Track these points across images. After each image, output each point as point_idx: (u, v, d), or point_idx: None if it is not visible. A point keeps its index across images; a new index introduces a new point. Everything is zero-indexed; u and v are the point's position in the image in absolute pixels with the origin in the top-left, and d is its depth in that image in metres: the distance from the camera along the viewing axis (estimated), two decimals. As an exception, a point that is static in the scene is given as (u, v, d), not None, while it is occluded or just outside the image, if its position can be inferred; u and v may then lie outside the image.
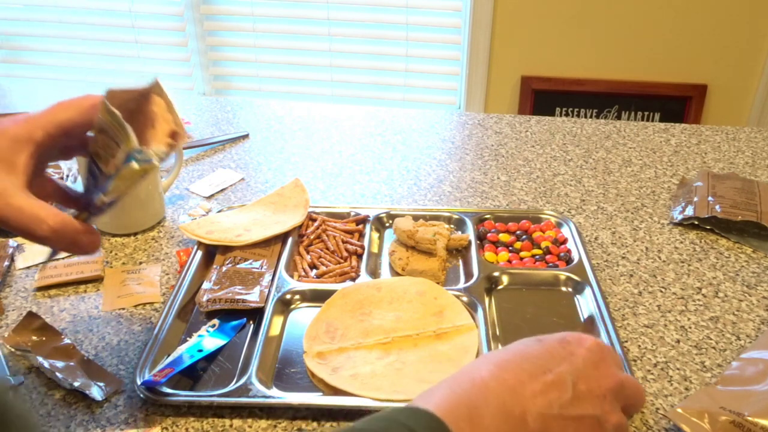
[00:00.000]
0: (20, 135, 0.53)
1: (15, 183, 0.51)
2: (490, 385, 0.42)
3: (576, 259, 0.77)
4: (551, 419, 0.41)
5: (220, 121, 1.17)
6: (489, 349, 0.64)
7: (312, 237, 0.81)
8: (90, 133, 0.57)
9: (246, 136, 1.12)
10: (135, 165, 0.54)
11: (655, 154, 1.07)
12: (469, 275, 0.75)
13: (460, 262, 0.79)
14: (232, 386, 0.60)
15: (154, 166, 0.54)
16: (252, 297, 0.71)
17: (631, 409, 0.48)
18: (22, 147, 0.53)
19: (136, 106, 0.57)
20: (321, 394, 0.60)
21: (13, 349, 0.65)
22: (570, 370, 0.44)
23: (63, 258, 0.79)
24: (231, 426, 0.58)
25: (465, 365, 0.45)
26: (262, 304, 0.70)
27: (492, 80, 2.35)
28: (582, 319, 0.70)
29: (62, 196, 0.61)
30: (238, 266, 0.75)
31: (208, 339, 0.65)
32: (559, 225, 0.84)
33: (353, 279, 0.75)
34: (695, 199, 0.89)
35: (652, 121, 2.14)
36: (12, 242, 0.81)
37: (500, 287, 0.74)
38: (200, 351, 0.63)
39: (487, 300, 0.71)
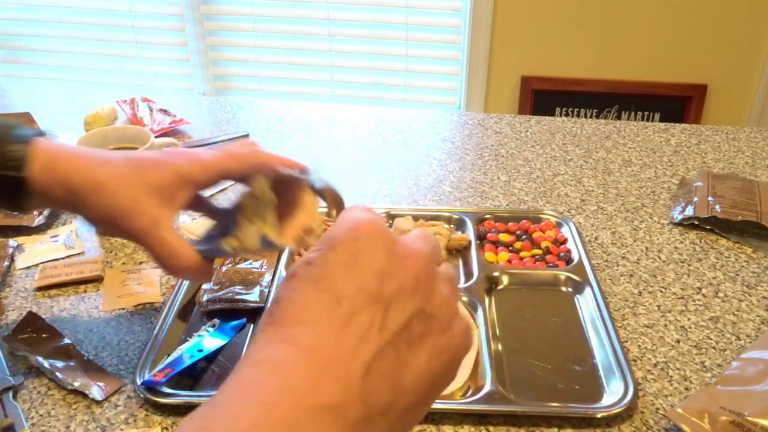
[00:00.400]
0: (189, 175, 0.56)
1: (168, 216, 0.56)
2: (276, 387, 0.28)
3: (576, 259, 0.77)
4: (377, 361, 0.30)
5: (220, 121, 1.18)
6: (489, 348, 0.64)
7: (312, 237, 0.81)
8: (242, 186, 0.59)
9: (246, 136, 1.12)
10: (259, 245, 0.55)
11: (655, 154, 1.07)
12: (469, 275, 0.75)
13: (460, 262, 0.79)
14: (232, 386, 0.60)
15: (276, 250, 0.55)
16: (252, 297, 0.71)
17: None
18: (186, 186, 0.56)
19: (289, 188, 0.58)
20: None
21: (13, 349, 0.65)
22: (365, 277, 0.31)
23: (62, 258, 0.79)
24: (231, 426, 0.58)
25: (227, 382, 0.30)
26: (262, 304, 0.70)
27: (492, 80, 2.35)
28: (582, 319, 0.70)
29: (207, 209, 0.64)
30: (238, 266, 0.76)
31: (208, 339, 0.65)
32: (559, 225, 0.84)
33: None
34: (695, 199, 0.89)
35: (652, 121, 2.14)
36: (12, 242, 0.81)
37: (500, 287, 0.74)
38: (200, 351, 0.63)
39: (487, 300, 0.71)
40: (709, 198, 0.88)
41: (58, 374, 0.61)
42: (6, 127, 0.56)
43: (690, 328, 0.70)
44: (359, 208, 0.34)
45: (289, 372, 0.29)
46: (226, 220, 0.61)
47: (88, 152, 0.56)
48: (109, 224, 0.56)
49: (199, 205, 0.63)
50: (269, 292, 0.72)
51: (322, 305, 0.31)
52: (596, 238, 0.85)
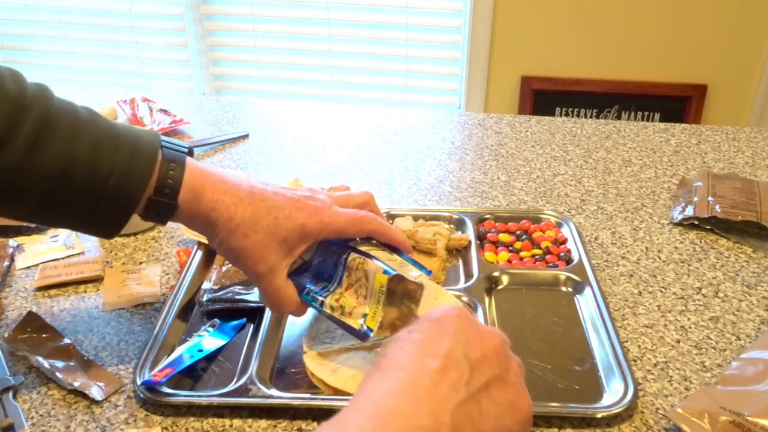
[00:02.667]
0: (312, 232, 0.60)
1: (285, 265, 0.60)
2: (389, 407, 0.38)
3: (576, 259, 0.77)
4: (463, 406, 0.39)
5: (220, 121, 1.18)
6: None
7: (312, 237, 0.81)
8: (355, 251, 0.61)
9: (246, 136, 1.12)
10: (357, 326, 0.58)
11: (655, 154, 1.07)
12: (469, 275, 0.75)
13: (460, 262, 0.79)
14: (232, 386, 0.60)
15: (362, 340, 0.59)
16: (252, 297, 0.71)
17: None
18: (306, 240, 0.60)
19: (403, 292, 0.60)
20: (321, 394, 0.60)
21: (13, 349, 0.65)
22: (455, 344, 0.41)
23: (62, 258, 0.79)
24: (231, 426, 0.58)
25: (352, 400, 0.40)
26: (262, 304, 0.70)
27: (492, 80, 2.35)
28: (582, 319, 0.70)
29: None
30: (238, 266, 0.75)
31: (208, 339, 0.65)
32: (559, 225, 0.84)
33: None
34: (695, 199, 0.89)
35: (652, 121, 2.14)
36: (12, 242, 0.81)
37: (500, 287, 0.74)
38: (200, 351, 0.63)
39: (487, 300, 0.71)
40: (709, 198, 0.88)
41: (58, 374, 0.61)
42: (153, 142, 0.58)
43: (690, 328, 0.70)
44: (451, 304, 0.45)
45: (397, 399, 0.38)
46: (320, 263, 0.62)
47: (230, 187, 0.59)
48: (232, 259, 0.60)
49: None
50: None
51: (422, 360, 0.40)
52: (596, 238, 0.85)
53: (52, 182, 0.54)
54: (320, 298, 0.60)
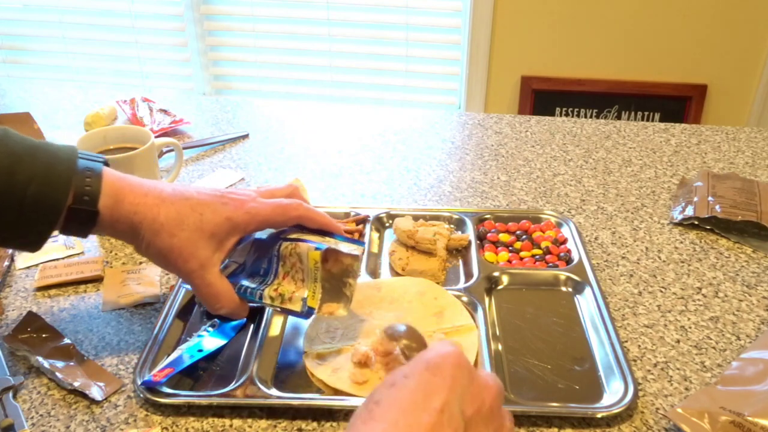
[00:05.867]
0: (240, 224, 0.60)
1: (216, 260, 0.60)
2: None
3: (576, 259, 0.77)
4: None
5: (220, 121, 1.18)
6: (489, 349, 0.64)
7: (312, 237, 0.81)
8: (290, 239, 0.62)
9: (246, 136, 1.12)
10: (300, 308, 0.59)
11: (655, 154, 1.07)
12: (469, 275, 0.75)
13: (460, 262, 0.79)
14: (232, 386, 0.60)
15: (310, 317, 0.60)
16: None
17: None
18: (236, 233, 0.61)
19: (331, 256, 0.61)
20: (321, 394, 0.60)
21: (13, 349, 0.65)
22: (451, 398, 0.38)
23: (62, 258, 0.79)
24: (231, 426, 0.58)
25: None
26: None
27: (492, 80, 2.36)
28: (582, 319, 0.70)
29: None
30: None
31: (208, 339, 0.65)
32: (559, 225, 0.84)
33: (353, 279, 0.75)
34: (695, 199, 0.89)
35: (652, 121, 2.14)
36: (12, 242, 0.81)
37: (500, 287, 0.74)
38: (200, 351, 0.63)
39: (487, 300, 0.71)
40: (709, 198, 0.88)
41: (58, 374, 0.61)
42: (70, 153, 0.58)
43: (690, 328, 0.70)
44: (446, 342, 0.42)
45: None
46: (254, 262, 0.63)
47: (151, 190, 0.59)
48: (162, 262, 0.60)
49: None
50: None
51: (416, 415, 0.37)
52: (596, 238, 0.85)
53: None
54: (258, 292, 0.61)
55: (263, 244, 0.64)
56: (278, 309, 0.62)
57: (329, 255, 0.59)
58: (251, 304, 0.64)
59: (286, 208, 0.62)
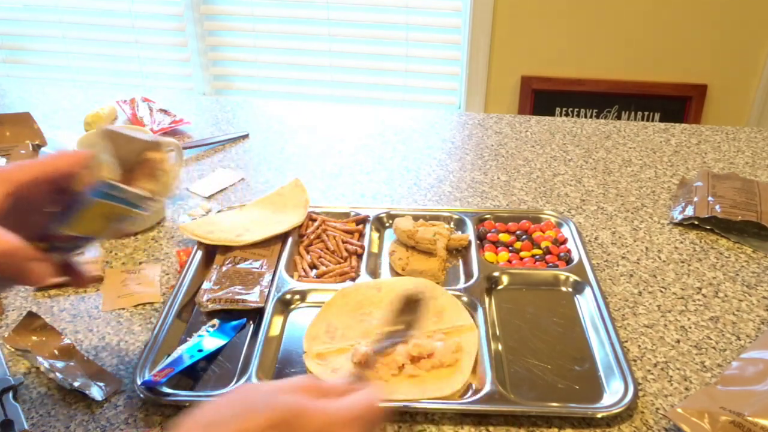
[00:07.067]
0: (7, 174, 0.54)
1: None
2: None
3: (576, 259, 0.77)
4: None
5: (220, 121, 1.18)
6: (489, 349, 0.64)
7: (312, 237, 0.81)
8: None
9: (246, 136, 1.12)
10: (101, 200, 0.53)
11: (655, 154, 1.07)
12: (469, 275, 0.75)
13: (460, 262, 0.79)
14: (232, 386, 0.60)
15: (124, 209, 0.53)
16: (252, 297, 0.71)
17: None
18: (2, 183, 0.53)
19: (137, 156, 0.55)
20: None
21: (13, 349, 0.65)
22: None
23: (63, 258, 0.79)
24: (231, 426, 0.58)
25: None
26: (262, 304, 0.70)
27: (492, 80, 2.35)
28: (582, 319, 0.70)
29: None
30: (237, 266, 0.75)
31: (208, 339, 0.65)
32: (559, 225, 0.84)
33: (353, 279, 0.75)
34: (695, 199, 0.89)
35: (652, 121, 2.14)
36: (12, 242, 0.81)
37: (500, 287, 0.74)
38: (200, 351, 0.63)
39: (487, 300, 0.71)
40: (709, 198, 0.88)
41: (58, 374, 0.61)
42: None
43: (690, 328, 0.70)
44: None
45: None
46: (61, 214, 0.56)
47: None
48: None
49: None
50: (269, 291, 0.72)
51: None
52: (596, 238, 0.85)
53: None
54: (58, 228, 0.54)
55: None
56: (95, 219, 0.55)
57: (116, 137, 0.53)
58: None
59: (66, 154, 0.55)
